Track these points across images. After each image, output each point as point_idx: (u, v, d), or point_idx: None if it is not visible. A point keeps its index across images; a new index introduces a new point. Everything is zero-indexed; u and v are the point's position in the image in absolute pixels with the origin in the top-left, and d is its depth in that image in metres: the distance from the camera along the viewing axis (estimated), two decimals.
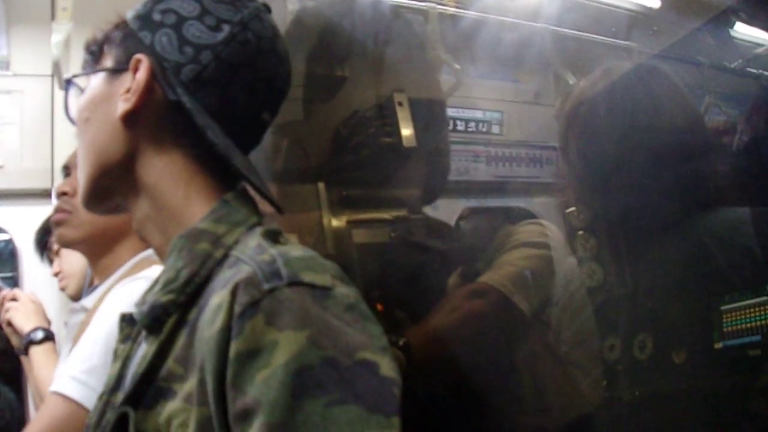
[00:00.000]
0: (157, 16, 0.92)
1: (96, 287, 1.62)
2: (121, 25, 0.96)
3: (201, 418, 0.75)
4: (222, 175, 0.94)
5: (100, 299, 1.45)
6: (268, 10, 0.98)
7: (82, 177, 0.97)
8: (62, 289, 2.36)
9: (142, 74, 0.90)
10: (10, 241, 3.10)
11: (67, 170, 1.72)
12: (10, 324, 2.13)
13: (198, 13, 0.92)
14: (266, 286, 0.73)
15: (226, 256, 0.85)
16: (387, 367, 0.73)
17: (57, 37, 1.95)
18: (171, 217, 0.92)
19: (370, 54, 1.51)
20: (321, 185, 1.48)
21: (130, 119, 0.91)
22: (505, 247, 1.48)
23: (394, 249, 1.45)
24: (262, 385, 0.69)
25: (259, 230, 0.86)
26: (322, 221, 1.47)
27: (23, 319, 2.05)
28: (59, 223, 1.61)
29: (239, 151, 0.93)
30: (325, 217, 1.47)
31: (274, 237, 0.85)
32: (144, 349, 0.87)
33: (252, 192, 0.96)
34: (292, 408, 0.68)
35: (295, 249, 0.81)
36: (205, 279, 0.84)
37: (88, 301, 1.56)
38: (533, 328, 1.44)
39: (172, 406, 0.79)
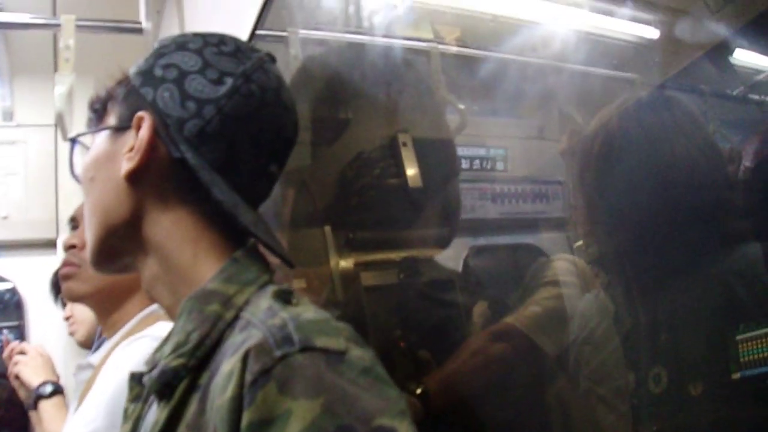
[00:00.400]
0: (158, 72, 0.91)
1: (103, 341, 1.61)
2: (124, 81, 0.95)
3: None
4: (231, 232, 0.92)
5: (106, 356, 1.43)
6: (273, 60, 0.97)
7: (89, 237, 0.96)
8: (71, 334, 2.36)
9: (144, 132, 0.89)
10: (15, 291, 3.10)
11: (75, 222, 1.71)
12: (17, 377, 2.12)
13: (200, 66, 0.90)
14: (278, 353, 0.71)
15: (237, 317, 0.83)
16: (405, 431, 0.71)
17: (60, 88, 1.96)
18: (180, 276, 0.90)
19: (374, 96, 1.51)
20: (327, 228, 1.48)
21: (134, 178, 0.90)
22: (536, 283, 1.46)
23: (411, 300, 1.43)
24: None
25: (270, 290, 0.84)
26: (330, 265, 1.46)
27: (32, 374, 2.04)
28: (67, 277, 1.59)
29: (247, 205, 0.91)
30: (333, 260, 1.46)
31: (285, 298, 0.83)
32: (155, 414, 0.85)
33: (262, 247, 0.95)
34: None
35: (307, 311, 0.79)
36: (216, 341, 0.82)
37: (94, 358, 1.54)
38: (560, 368, 1.42)
39: None
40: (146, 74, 0.92)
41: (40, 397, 1.98)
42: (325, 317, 0.79)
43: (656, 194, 1.34)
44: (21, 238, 3.03)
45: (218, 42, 0.94)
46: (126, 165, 0.90)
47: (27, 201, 3.05)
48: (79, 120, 1.57)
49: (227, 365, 0.74)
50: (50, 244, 2.97)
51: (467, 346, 1.39)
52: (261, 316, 0.78)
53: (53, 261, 2.59)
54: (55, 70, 2.30)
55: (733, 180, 1.43)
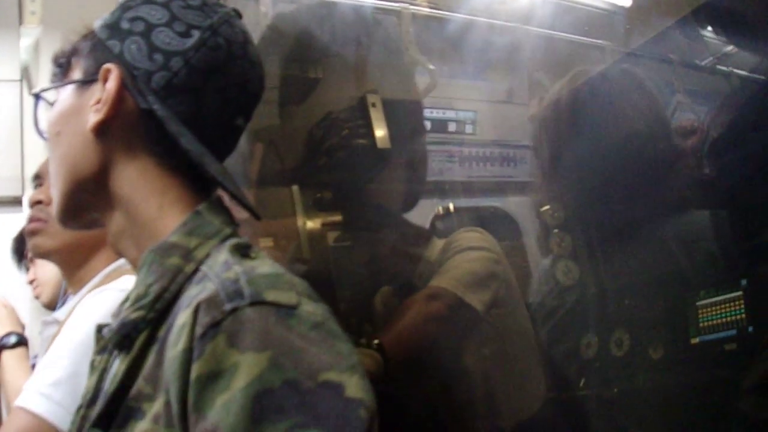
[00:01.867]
0: (125, 25, 0.90)
1: (68, 298, 1.60)
2: (89, 35, 0.94)
3: None
4: (197, 185, 0.92)
5: (71, 311, 1.43)
6: (239, 15, 0.96)
7: (55, 193, 0.95)
8: (36, 297, 2.34)
9: (112, 84, 0.88)
10: None
11: (39, 179, 1.69)
12: None
13: (167, 19, 0.90)
14: (228, 306, 0.71)
15: (197, 270, 0.82)
16: (354, 387, 0.71)
17: (26, 41, 1.92)
18: (145, 229, 0.89)
19: (343, 56, 1.50)
20: (295, 188, 1.48)
21: (101, 130, 0.89)
22: (446, 255, 1.49)
23: (381, 257, 1.45)
24: (222, 410, 0.67)
25: (228, 244, 0.84)
26: (297, 224, 1.46)
27: (8, 323, 2.03)
28: (34, 233, 1.58)
29: (213, 157, 0.91)
30: (300, 220, 1.47)
31: (243, 251, 0.83)
32: (115, 367, 0.85)
33: (228, 200, 0.95)
34: None
35: (263, 265, 0.79)
36: (176, 294, 0.82)
37: (60, 314, 1.54)
38: (484, 325, 1.46)
39: (141, 426, 0.77)
40: (113, 27, 0.91)
41: (3, 347, 1.97)
42: (278, 271, 0.79)
43: (613, 163, 1.37)
44: None
45: None
46: (93, 117, 0.89)
47: None
48: (45, 75, 1.55)
49: (181, 318, 0.74)
50: (16, 202, 2.93)
51: (406, 306, 1.41)
52: (217, 270, 0.78)
53: (19, 218, 2.56)
54: (21, 23, 2.26)
55: (696, 150, 1.45)
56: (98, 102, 0.89)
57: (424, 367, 1.36)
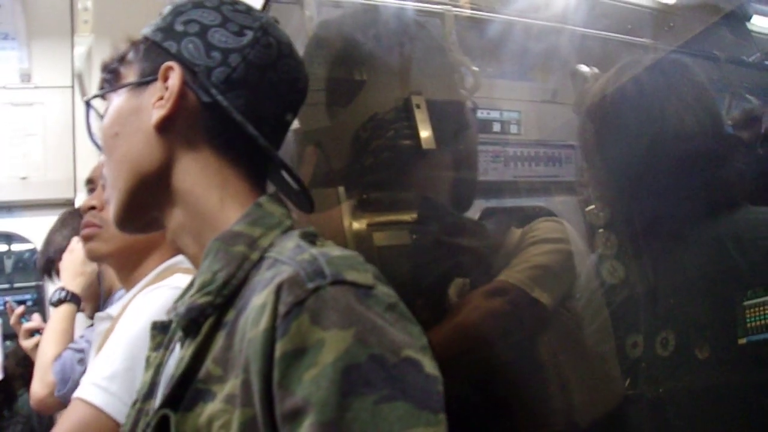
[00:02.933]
0: (179, 27, 0.95)
1: (113, 299, 1.63)
2: (139, 42, 0.99)
3: (245, 419, 0.75)
4: (255, 180, 0.96)
5: (125, 307, 1.46)
6: (277, 22, 1.01)
7: (115, 194, 0.98)
8: (81, 310, 2.39)
9: (174, 80, 0.92)
10: (34, 251, 3.15)
11: (92, 184, 1.73)
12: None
13: (220, 21, 0.94)
14: (310, 285, 0.73)
15: (262, 258, 0.85)
16: (430, 365, 0.74)
17: (79, 49, 1.97)
18: (206, 223, 0.93)
19: (388, 58, 1.51)
20: (341, 189, 1.49)
21: (164, 126, 0.93)
22: (522, 245, 1.48)
23: (424, 250, 1.45)
24: (311, 385, 0.69)
25: (296, 233, 0.87)
26: (343, 225, 1.48)
27: (68, 277, 2.12)
28: (89, 238, 1.61)
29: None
30: (346, 221, 1.48)
31: (311, 239, 0.86)
32: (180, 352, 0.87)
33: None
34: (342, 406, 0.68)
35: (334, 249, 0.82)
36: (242, 281, 0.84)
37: (113, 309, 1.57)
38: (557, 320, 1.45)
39: (212, 407, 0.79)
40: (167, 30, 0.95)
41: (61, 301, 2.08)
42: (353, 254, 0.81)
43: (660, 158, 1.35)
44: (39, 198, 3.07)
45: (232, 2, 0.98)
46: (157, 113, 0.92)
47: (45, 162, 3.09)
48: (97, 82, 1.58)
49: (259, 299, 0.76)
50: (68, 204, 3.00)
51: (465, 303, 1.41)
52: (289, 254, 0.81)
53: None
54: (73, 31, 2.31)
55: (753, 142, 1.43)
56: (161, 99, 0.93)
57: (478, 367, 1.35)
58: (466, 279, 1.45)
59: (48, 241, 2.54)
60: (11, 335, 2.78)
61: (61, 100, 3.07)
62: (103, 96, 1.02)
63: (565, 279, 1.45)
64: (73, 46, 2.01)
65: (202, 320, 0.84)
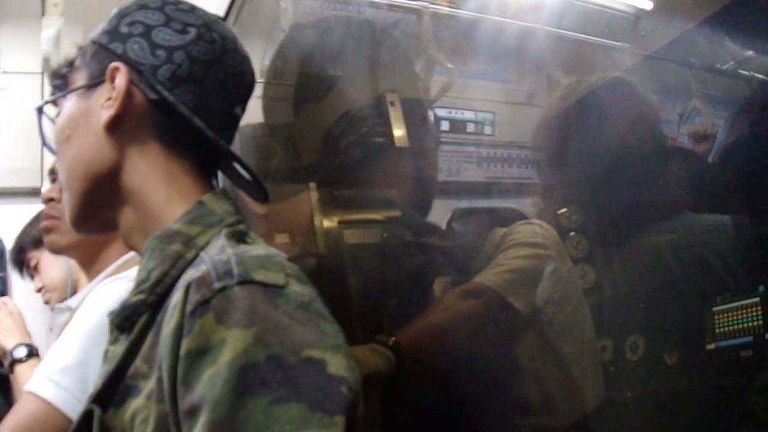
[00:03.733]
0: (124, 29, 0.97)
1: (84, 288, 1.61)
2: (85, 47, 1.01)
3: (159, 414, 0.76)
4: (204, 176, 0.98)
5: (83, 299, 1.44)
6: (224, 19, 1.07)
7: (69, 196, 0.99)
8: (47, 302, 2.35)
9: (121, 80, 0.94)
10: None
11: (54, 174, 1.71)
12: None
13: (163, 20, 0.97)
14: (217, 285, 0.75)
15: (197, 257, 0.86)
16: (337, 365, 0.74)
17: (47, 32, 1.94)
18: (153, 220, 0.94)
19: (362, 55, 1.51)
20: (312, 185, 1.48)
21: (113, 126, 0.94)
22: (501, 248, 1.48)
23: (392, 249, 1.44)
24: (208, 383, 0.70)
25: (224, 231, 0.89)
26: (314, 221, 1.47)
27: (4, 335, 2.03)
28: (49, 230, 1.60)
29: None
30: (317, 218, 1.47)
31: (239, 237, 0.87)
32: (113, 349, 0.89)
33: (242, 195, 0.99)
34: (236, 405, 0.69)
35: (256, 249, 0.84)
36: (175, 279, 0.86)
37: (73, 301, 1.56)
38: (532, 327, 1.44)
39: (136, 403, 0.81)
40: (112, 32, 0.98)
41: (15, 360, 1.98)
42: (270, 253, 0.83)
43: (610, 170, 1.38)
44: (5, 186, 3.02)
45: (175, 2, 1.00)
46: (105, 114, 0.94)
47: (11, 149, 3.03)
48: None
49: (174, 298, 0.78)
50: (34, 193, 2.95)
51: (438, 302, 1.41)
52: (212, 253, 0.83)
53: (37, 209, 2.58)
54: (43, 14, 2.27)
55: (706, 155, 1.45)
56: (109, 99, 0.94)
57: (450, 369, 1.35)
58: (447, 278, 1.45)
59: (23, 233, 2.50)
60: None
61: (29, 86, 3.01)
62: (54, 102, 1.06)
63: (542, 284, 1.45)
64: (42, 30, 1.97)
65: (135, 318, 0.86)
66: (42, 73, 2.78)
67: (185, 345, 0.72)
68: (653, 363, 1.32)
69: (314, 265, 1.42)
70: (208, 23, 0.98)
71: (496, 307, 1.39)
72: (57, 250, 1.65)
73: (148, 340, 0.84)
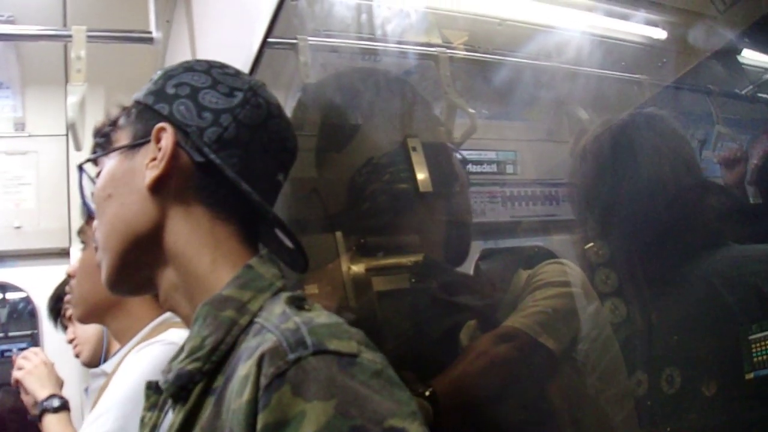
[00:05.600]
0: (171, 90, 0.96)
1: (118, 351, 1.62)
2: (130, 107, 1.01)
3: None
4: (247, 239, 0.96)
5: (119, 363, 1.44)
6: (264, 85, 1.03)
7: (107, 256, 0.98)
8: (77, 356, 2.35)
9: (167, 140, 0.93)
10: (29, 301, 3.13)
11: (84, 235, 1.73)
12: (19, 383, 2.13)
13: (210, 83, 0.96)
14: (292, 356, 0.73)
15: (251, 323, 0.85)
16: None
17: (72, 98, 1.97)
18: (198, 283, 0.93)
19: (383, 102, 1.52)
20: (339, 234, 1.48)
21: (158, 186, 0.94)
22: (528, 289, 1.47)
23: (421, 295, 1.44)
24: None
25: (283, 296, 0.87)
26: (342, 270, 1.46)
27: (37, 384, 2.05)
28: (69, 305, 1.64)
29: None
30: (344, 266, 1.47)
31: (298, 303, 0.85)
32: (171, 418, 0.87)
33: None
34: None
35: (320, 316, 0.82)
36: (231, 346, 0.84)
37: (108, 366, 1.56)
38: (565, 366, 1.43)
39: None
40: (158, 93, 0.97)
41: (46, 410, 1.99)
42: (337, 321, 0.81)
43: (645, 204, 1.37)
44: (34, 248, 3.05)
45: (221, 65, 1.01)
46: (150, 174, 0.94)
47: (39, 211, 3.07)
48: (90, 129, 1.58)
49: (243, 369, 0.76)
50: (63, 253, 2.99)
51: (471, 349, 1.39)
52: (275, 321, 0.81)
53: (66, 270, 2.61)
54: (66, 80, 2.32)
55: (740, 180, 1.44)
56: (154, 159, 0.94)
57: (488, 415, 1.33)
58: (476, 323, 1.44)
59: (62, 283, 2.52)
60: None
61: (55, 148, 3.07)
62: (95, 160, 1.04)
63: (572, 323, 1.43)
64: (66, 95, 2.01)
65: (191, 387, 0.84)
66: (67, 135, 2.83)
67: (262, 419, 0.71)
68: (691, 395, 1.30)
69: (353, 320, 1.41)
70: (254, 88, 0.98)
71: (529, 349, 1.37)
72: (81, 321, 1.67)
73: (208, 410, 0.82)
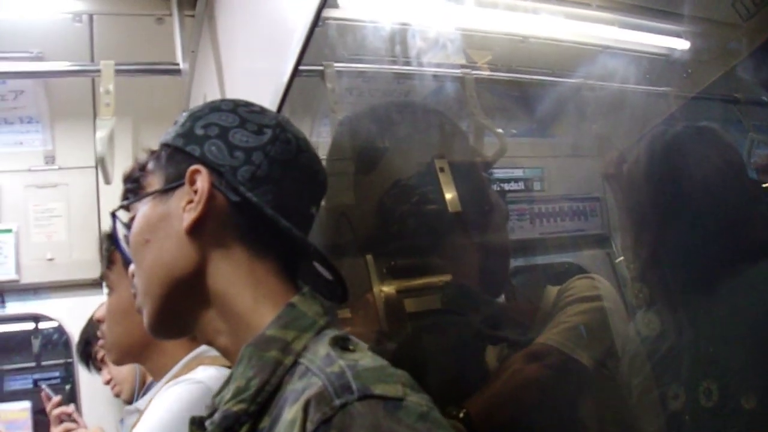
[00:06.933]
0: (200, 131, 0.97)
1: (149, 387, 1.64)
2: (159, 150, 1.02)
3: None
4: (287, 276, 0.97)
5: (150, 400, 1.45)
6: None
7: (149, 302, 0.99)
8: (117, 395, 2.38)
9: (203, 182, 0.94)
10: (62, 331, 3.16)
11: (110, 262, 1.74)
12: None
13: (238, 122, 0.97)
14: (337, 402, 0.73)
15: (295, 363, 0.86)
16: None
17: (101, 133, 2.00)
18: (241, 322, 0.93)
19: (410, 124, 1.53)
20: (369, 257, 1.49)
21: (196, 229, 0.94)
22: (558, 305, 1.46)
23: (453, 314, 1.44)
24: None
25: (327, 337, 0.87)
26: (373, 293, 1.47)
27: None
28: (103, 348, 1.67)
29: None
30: (376, 288, 1.47)
31: (342, 344, 0.85)
32: None
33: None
34: None
35: (364, 357, 0.82)
36: (276, 387, 0.84)
37: (141, 403, 1.56)
38: (600, 380, 1.42)
39: None
40: (187, 135, 0.98)
41: None
42: (381, 364, 0.81)
43: (694, 213, 1.35)
44: (66, 279, 3.08)
45: (246, 104, 1.01)
46: (188, 217, 0.94)
47: (71, 242, 3.10)
48: (119, 162, 1.60)
49: (289, 413, 0.77)
50: (95, 284, 3.01)
51: (504, 368, 1.39)
52: (319, 364, 0.81)
53: (98, 300, 2.63)
54: (95, 112, 2.35)
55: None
56: (190, 202, 0.94)
57: None
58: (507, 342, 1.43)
59: (87, 326, 2.55)
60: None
61: (84, 180, 3.11)
62: (128, 207, 1.04)
63: (604, 337, 1.43)
64: (95, 129, 2.04)
65: (237, 428, 0.84)
66: (96, 168, 2.87)
67: None
68: (730, 409, 1.28)
69: (394, 350, 1.42)
70: (282, 124, 0.99)
71: (562, 365, 1.37)
72: (117, 364, 1.71)
73: None
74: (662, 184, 1.41)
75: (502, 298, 1.61)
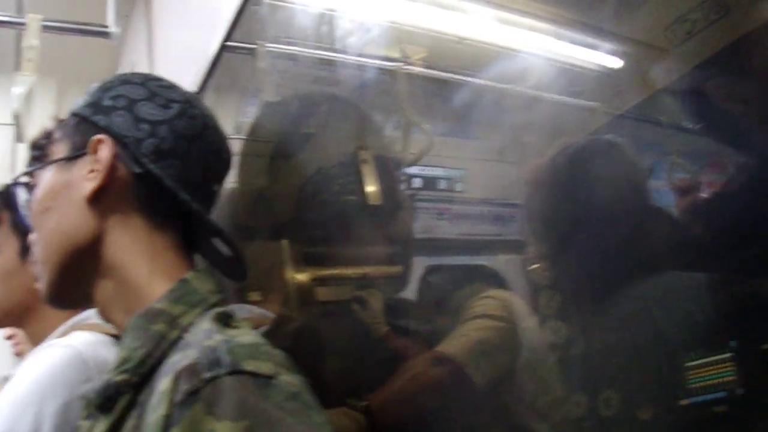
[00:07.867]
0: (107, 102, 0.97)
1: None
2: (66, 119, 1.01)
3: None
4: (186, 251, 0.97)
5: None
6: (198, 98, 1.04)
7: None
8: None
9: (105, 152, 0.93)
10: None
11: None
12: None
13: (147, 95, 0.97)
14: (207, 375, 0.73)
15: (180, 337, 0.85)
16: None
17: (18, 89, 1.93)
18: (135, 295, 0.92)
19: (337, 113, 1.52)
20: (285, 242, 1.48)
21: (96, 198, 0.94)
22: (465, 314, 1.48)
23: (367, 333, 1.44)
24: None
25: (212, 313, 0.87)
26: (286, 278, 1.46)
27: None
28: None
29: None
30: (289, 274, 1.47)
31: (225, 320, 0.86)
32: (95, 429, 0.86)
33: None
34: None
35: (243, 335, 0.82)
36: (159, 360, 0.84)
37: (15, 371, 1.52)
38: (486, 398, 1.44)
39: None
40: (95, 105, 0.98)
41: None
42: (257, 341, 0.82)
43: (593, 224, 1.39)
44: None
45: (157, 78, 1.02)
46: (89, 185, 0.94)
47: None
48: (37, 121, 1.55)
49: (162, 384, 0.76)
50: None
51: (408, 368, 1.40)
52: (198, 337, 0.81)
53: None
54: (17, 69, 2.27)
55: (690, 210, 1.47)
56: (92, 171, 0.94)
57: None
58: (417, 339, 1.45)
59: None
60: None
61: (1, 136, 3.01)
62: (31, 174, 1.05)
63: (501, 359, 1.45)
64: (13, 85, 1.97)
65: (117, 398, 0.84)
66: (14, 125, 2.77)
67: None
68: (627, 419, 1.31)
69: (297, 327, 1.41)
70: (189, 100, 0.99)
71: (455, 377, 1.39)
72: None
73: (130, 422, 0.82)
74: (563, 195, 1.45)
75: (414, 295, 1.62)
